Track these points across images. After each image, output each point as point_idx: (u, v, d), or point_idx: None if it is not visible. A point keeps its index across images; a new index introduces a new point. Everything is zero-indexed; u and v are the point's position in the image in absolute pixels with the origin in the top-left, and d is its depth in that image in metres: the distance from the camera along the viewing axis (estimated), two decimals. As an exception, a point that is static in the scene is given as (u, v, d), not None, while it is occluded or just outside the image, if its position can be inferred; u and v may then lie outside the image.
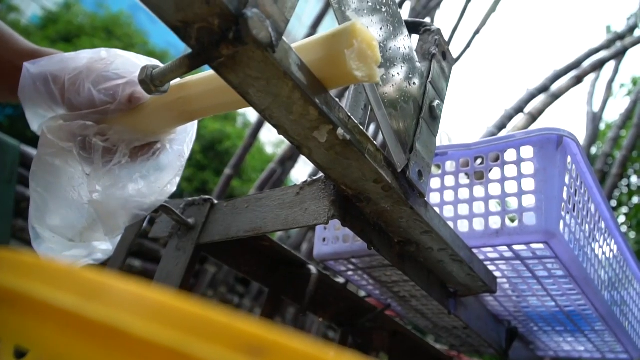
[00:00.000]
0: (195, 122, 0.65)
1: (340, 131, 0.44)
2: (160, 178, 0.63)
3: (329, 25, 0.48)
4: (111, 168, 0.58)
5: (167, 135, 0.61)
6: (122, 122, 0.58)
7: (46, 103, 0.59)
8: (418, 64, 0.56)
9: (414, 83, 0.55)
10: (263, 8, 0.36)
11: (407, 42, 0.54)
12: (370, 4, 0.49)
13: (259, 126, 2.89)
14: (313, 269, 0.80)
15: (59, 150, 0.58)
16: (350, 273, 0.90)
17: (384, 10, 0.51)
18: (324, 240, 0.84)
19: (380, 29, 0.50)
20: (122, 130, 0.57)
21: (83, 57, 0.59)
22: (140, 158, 0.61)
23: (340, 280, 0.97)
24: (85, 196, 0.59)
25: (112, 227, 0.60)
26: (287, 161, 2.91)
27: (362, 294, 1.02)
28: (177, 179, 0.64)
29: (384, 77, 0.50)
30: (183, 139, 0.64)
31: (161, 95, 0.54)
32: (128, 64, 0.58)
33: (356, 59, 0.41)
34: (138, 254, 2.78)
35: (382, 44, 0.49)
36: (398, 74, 0.52)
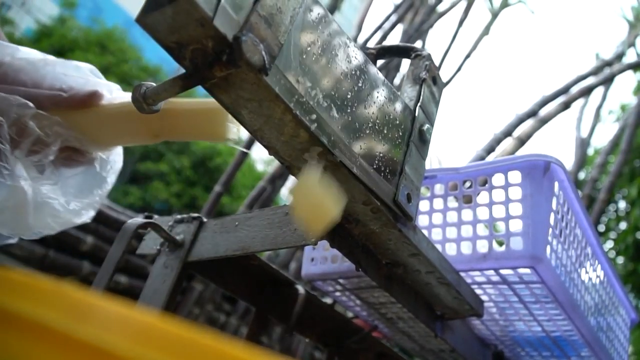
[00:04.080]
0: (121, 155, 0.59)
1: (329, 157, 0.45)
2: (77, 200, 0.55)
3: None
4: (36, 162, 0.50)
5: (106, 152, 0.55)
6: (65, 119, 0.51)
7: None
8: (395, 90, 0.56)
9: (396, 108, 0.55)
10: (257, 32, 0.37)
11: (377, 73, 0.53)
12: (320, 51, 0.49)
13: (250, 144, 2.89)
14: (301, 288, 0.80)
15: None
16: (337, 293, 0.89)
17: (340, 54, 0.51)
18: (312, 260, 0.84)
19: (339, 65, 0.50)
20: (62, 125, 0.50)
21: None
22: (65, 165, 0.54)
23: (328, 300, 0.97)
24: (9, 177, 0.50)
25: (22, 225, 0.51)
26: (277, 179, 2.91)
27: (350, 314, 1.01)
28: (92, 213, 0.57)
29: (364, 105, 0.50)
30: (110, 168, 0.57)
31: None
32: (109, 85, 0.53)
33: None
34: (124, 270, 2.75)
35: (351, 78, 0.49)
36: (375, 102, 0.52)
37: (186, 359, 0.17)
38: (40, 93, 0.50)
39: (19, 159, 0.49)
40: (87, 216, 0.56)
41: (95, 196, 0.57)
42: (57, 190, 0.53)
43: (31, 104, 0.49)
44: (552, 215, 0.77)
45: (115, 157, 0.58)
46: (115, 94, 0.54)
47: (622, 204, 5.31)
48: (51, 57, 0.54)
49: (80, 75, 0.53)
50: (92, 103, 0.52)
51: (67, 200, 0.54)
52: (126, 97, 0.52)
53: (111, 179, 0.58)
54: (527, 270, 0.77)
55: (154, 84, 0.45)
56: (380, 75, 0.53)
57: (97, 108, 0.52)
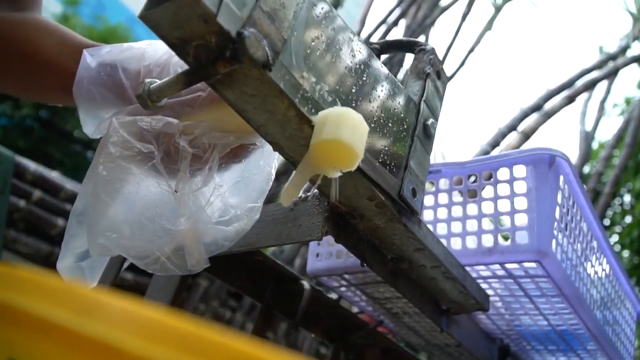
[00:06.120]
0: None
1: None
2: (247, 198, 0.52)
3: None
4: (200, 182, 0.47)
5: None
6: (210, 116, 0.47)
7: (110, 97, 0.49)
8: (399, 84, 0.56)
9: (401, 103, 0.55)
10: (260, 27, 0.36)
11: (381, 67, 0.53)
12: (324, 46, 0.49)
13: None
14: (306, 284, 0.80)
15: (136, 154, 0.46)
16: (343, 289, 0.89)
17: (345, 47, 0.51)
18: (317, 255, 0.84)
19: (343, 60, 0.50)
20: (211, 128, 0.46)
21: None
22: (227, 164, 0.51)
23: (333, 296, 0.97)
24: (172, 220, 0.48)
25: (197, 259, 0.49)
26: (281, 176, 2.91)
27: (355, 310, 1.02)
28: (261, 204, 0.54)
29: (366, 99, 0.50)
30: (271, 154, 0.54)
31: None
32: None
33: None
34: (130, 266, 2.75)
35: (355, 73, 0.49)
36: (379, 96, 0.52)
37: (194, 354, 0.17)
38: (179, 101, 0.47)
39: (182, 188, 0.47)
40: (253, 220, 0.53)
41: (263, 194, 0.53)
42: (224, 202, 0.50)
43: (174, 120, 0.46)
44: (557, 209, 0.76)
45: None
46: None
47: (627, 198, 5.29)
48: (160, 48, 0.49)
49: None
50: None
51: (235, 214, 0.51)
52: None
53: (274, 169, 0.55)
54: (533, 264, 0.77)
55: (158, 81, 0.45)
56: (385, 70, 0.53)
57: None
